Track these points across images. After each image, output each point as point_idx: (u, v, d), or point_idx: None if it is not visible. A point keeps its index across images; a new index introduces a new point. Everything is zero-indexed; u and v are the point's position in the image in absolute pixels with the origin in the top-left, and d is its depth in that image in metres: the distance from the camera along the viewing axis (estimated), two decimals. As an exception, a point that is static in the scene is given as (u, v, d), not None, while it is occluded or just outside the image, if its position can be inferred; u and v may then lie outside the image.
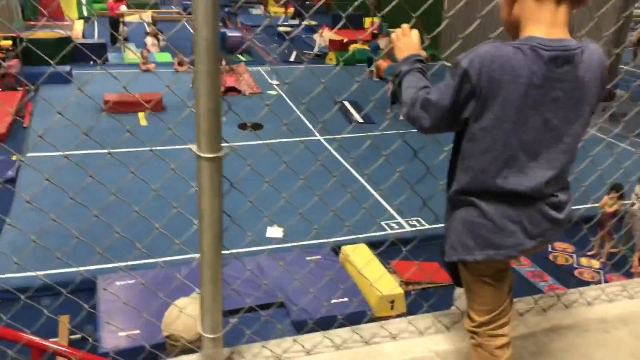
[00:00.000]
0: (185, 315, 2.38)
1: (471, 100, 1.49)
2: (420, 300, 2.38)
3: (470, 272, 1.70)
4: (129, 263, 2.01)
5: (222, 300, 1.82)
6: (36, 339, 2.89)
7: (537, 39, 1.47)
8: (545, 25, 1.49)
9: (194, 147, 1.62)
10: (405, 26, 1.76)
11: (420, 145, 2.10)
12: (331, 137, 9.98)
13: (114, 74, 1.84)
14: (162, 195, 1.82)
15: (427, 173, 2.11)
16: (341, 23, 1.88)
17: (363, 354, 2.10)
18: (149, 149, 1.82)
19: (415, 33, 1.75)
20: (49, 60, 1.85)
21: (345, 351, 2.10)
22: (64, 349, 3.21)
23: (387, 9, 2.15)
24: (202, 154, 1.61)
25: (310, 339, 2.11)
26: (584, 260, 7.68)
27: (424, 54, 1.73)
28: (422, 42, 1.77)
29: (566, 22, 1.52)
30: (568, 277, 7.15)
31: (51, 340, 4.09)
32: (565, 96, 1.50)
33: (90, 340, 5.66)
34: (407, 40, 1.74)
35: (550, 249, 7.71)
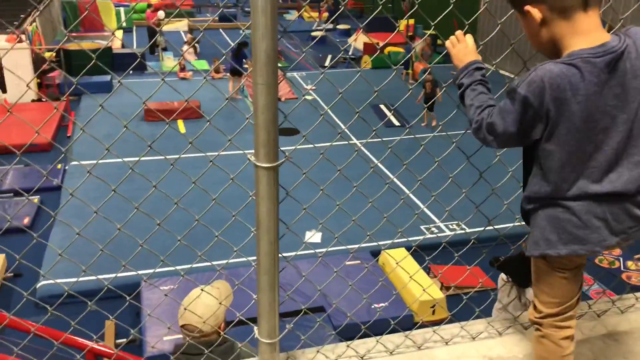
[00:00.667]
0: (201, 305, 2.39)
1: (538, 124, 1.53)
2: (471, 305, 2.37)
3: (549, 265, 1.71)
4: (179, 267, 2.05)
5: (278, 305, 1.85)
6: (100, 347, 2.96)
7: (584, 51, 1.48)
8: (584, 36, 1.50)
9: (252, 157, 1.66)
10: (459, 33, 1.76)
11: (471, 151, 2.10)
12: (370, 140, 9.94)
13: (170, 85, 1.89)
14: (221, 204, 1.87)
15: (480, 178, 2.11)
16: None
17: (416, 359, 2.10)
18: (204, 154, 1.87)
19: (469, 38, 1.76)
20: (109, 72, 1.92)
21: (398, 356, 2.11)
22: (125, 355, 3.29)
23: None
24: (260, 164, 1.65)
25: (363, 345, 2.13)
26: (630, 264, 7.49)
27: (480, 58, 1.74)
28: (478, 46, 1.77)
29: (600, 24, 1.53)
30: (615, 281, 6.98)
31: (100, 343, 4.21)
32: (623, 89, 1.52)
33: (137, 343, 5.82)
34: (462, 47, 1.74)
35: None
